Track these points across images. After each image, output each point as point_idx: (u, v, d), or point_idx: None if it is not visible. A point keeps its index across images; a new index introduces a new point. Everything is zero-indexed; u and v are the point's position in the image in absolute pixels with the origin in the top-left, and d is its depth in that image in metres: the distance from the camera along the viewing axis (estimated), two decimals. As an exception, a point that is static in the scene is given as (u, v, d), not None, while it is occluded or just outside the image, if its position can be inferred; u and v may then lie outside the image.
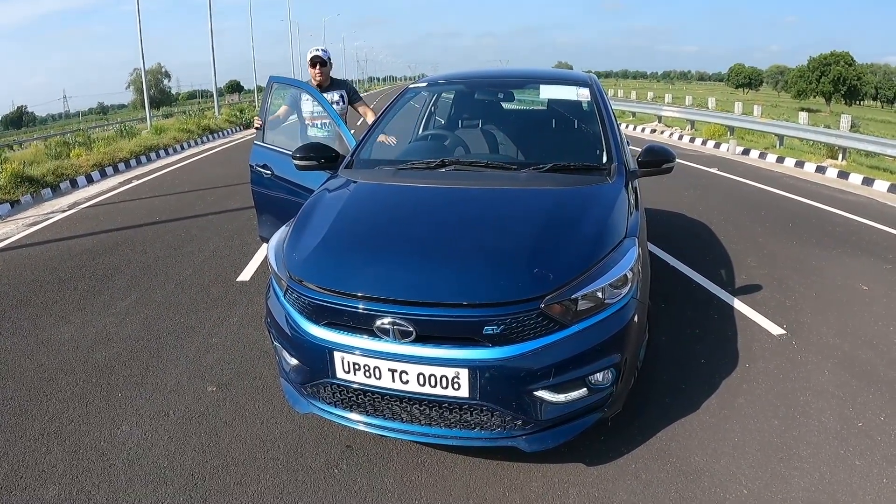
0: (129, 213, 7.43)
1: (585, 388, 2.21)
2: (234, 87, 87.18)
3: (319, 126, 4.51)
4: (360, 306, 2.17)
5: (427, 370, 2.14)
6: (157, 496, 2.33)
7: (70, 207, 8.02)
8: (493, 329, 2.06)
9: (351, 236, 2.54)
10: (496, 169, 2.94)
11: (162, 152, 13.85)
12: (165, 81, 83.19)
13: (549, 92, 3.55)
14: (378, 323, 2.15)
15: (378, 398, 2.28)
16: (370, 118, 4.41)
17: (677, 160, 3.08)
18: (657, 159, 2.97)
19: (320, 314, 2.28)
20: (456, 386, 2.13)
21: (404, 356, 2.15)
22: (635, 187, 3.11)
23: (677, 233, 6.11)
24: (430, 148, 3.69)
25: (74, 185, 9.82)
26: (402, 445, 2.59)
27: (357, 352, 2.22)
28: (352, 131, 3.99)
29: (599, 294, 2.19)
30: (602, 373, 2.22)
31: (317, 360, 2.32)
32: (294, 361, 2.41)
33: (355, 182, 2.97)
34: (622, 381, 2.31)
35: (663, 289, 4.32)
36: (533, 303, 2.07)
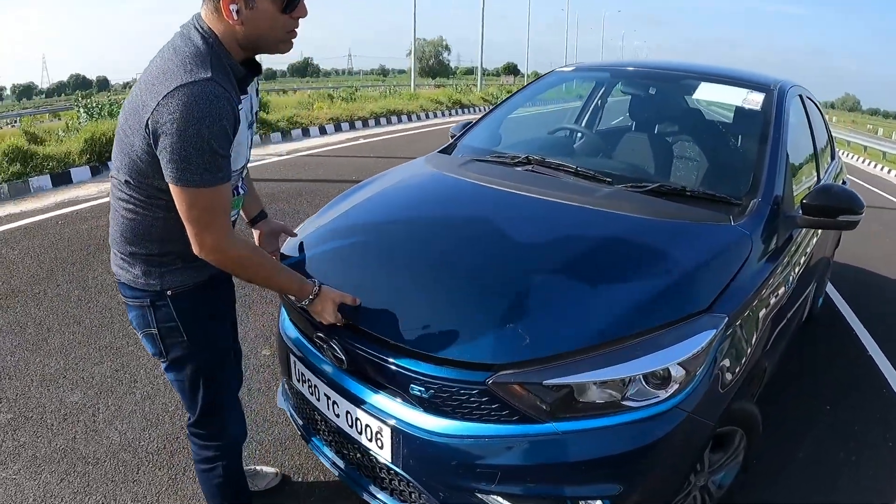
0: (335, 168, 7.91)
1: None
2: (511, 70, 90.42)
3: None
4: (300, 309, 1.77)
5: (354, 411, 1.65)
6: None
7: (288, 153, 8.95)
8: (419, 389, 1.47)
9: (338, 228, 2.10)
10: (584, 179, 2.20)
11: (404, 118, 14.64)
12: (445, 54, 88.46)
13: (707, 92, 2.53)
14: (315, 336, 1.73)
15: (320, 420, 1.87)
16: None
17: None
18: (832, 206, 1.91)
19: (289, 306, 1.95)
20: (379, 443, 1.60)
21: (337, 385, 1.70)
22: (796, 241, 2.08)
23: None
24: (542, 142, 3.00)
25: (306, 133, 10.90)
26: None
27: (301, 363, 1.85)
28: None
29: (613, 391, 1.42)
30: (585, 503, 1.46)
31: (282, 356, 2.04)
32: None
33: (420, 169, 2.52)
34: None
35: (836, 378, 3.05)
36: (474, 372, 1.40)
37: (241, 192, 1.60)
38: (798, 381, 2.96)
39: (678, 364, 1.43)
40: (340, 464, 1.81)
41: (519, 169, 2.33)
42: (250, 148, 1.55)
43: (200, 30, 1.29)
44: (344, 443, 1.78)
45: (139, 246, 1.43)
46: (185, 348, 1.52)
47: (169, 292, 1.46)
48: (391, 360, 1.50)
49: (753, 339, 1.76)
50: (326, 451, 1.89)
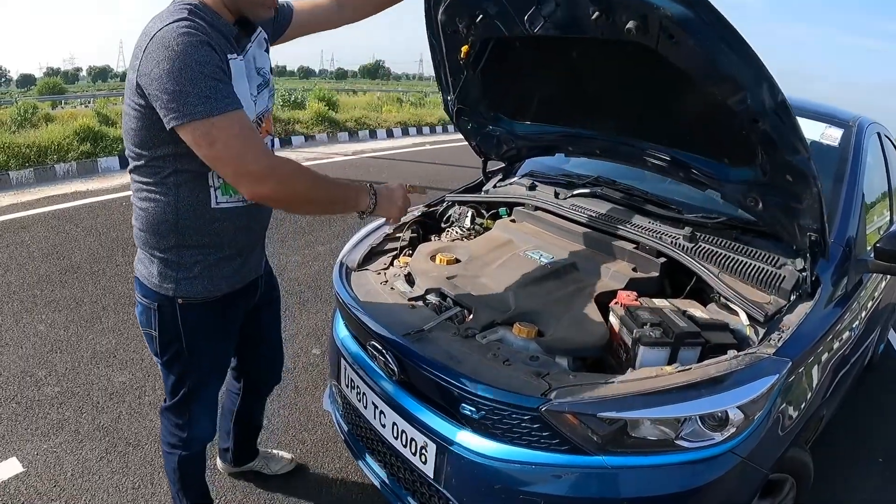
0: (398, 172, 7.82)
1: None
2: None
3: None
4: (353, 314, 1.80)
5: (401, 423, 1.66)
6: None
7: (354, 154, 9.09)
8: (470, 409, 1.46)
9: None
10: (654, 205, 2.12)
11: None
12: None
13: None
14: (368, 343, 1.75)
15: (365, 428, 1.88)
16: None
17: None
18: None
19: (344, 310, 1.98)
20: (423, 458, 1.60)
21: (387, 394, 1.71)
22: (865, 286, 1.99)
23: None
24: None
25: (373, 135, 11.04)
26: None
27: (351, 369, 1.87)
28: None
29: (667, 429, 1.38)
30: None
31: (333, 359, 2.06)
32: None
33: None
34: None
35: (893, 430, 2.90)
36: (528, 398, 1.38)
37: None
38: (853, 430, 2.83)
39: (737, 407, 1.38)
40: (382, 474, 1.82)
41: (588, 189, 2.29)
42: (265, 116, 1.50)
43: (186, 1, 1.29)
44: (387, 453, 1.79)
45: (156, 237, 1.41)
46: (181, 358, 1.52)
47: (180, 300, 1.45)
48: (446, 378, 1.50)
49: (814, 386, 1.70)
50: (369, 458, 1.90)
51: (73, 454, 2.33)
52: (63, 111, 11.14)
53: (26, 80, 71.74)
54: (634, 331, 1.51)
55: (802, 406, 1.62)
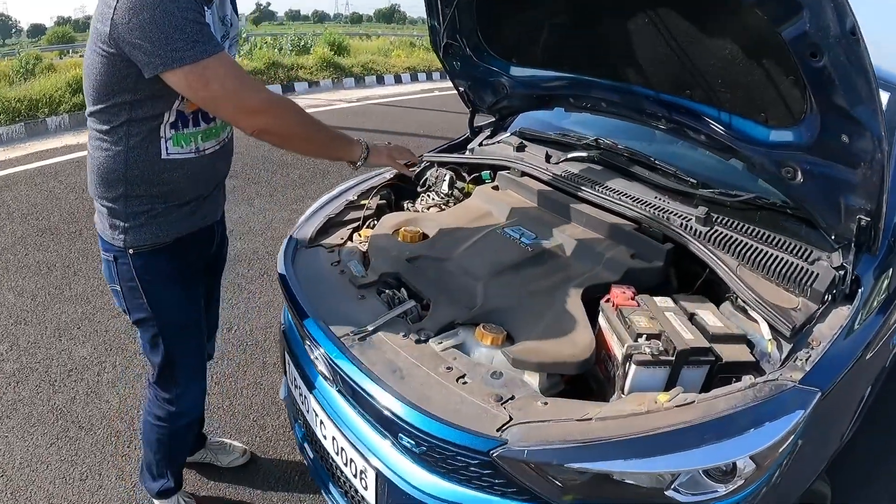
0: (401, 119, 7.42)
1: None
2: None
3: None
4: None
5: (340, 440, 1.39)
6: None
7: (358, 100, 8.64)
8: (409, 442, 1.17)
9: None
10: (663, 175, 1.75)
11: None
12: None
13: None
14: (305, 341, 1.47)
15: (309, 429, 1.62)
16: None
17: None
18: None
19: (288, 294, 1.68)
20: (363, 483, 1.34)
21: (327, 404, 1.43)
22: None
23: None
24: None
25: (381, 81, 10.52)
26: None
27: (293, 366, 1.60)
28: None
29: (653, 482, 1.08)
30: None
31: (281, 352, 1.79)
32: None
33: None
34: None
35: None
36: (478, 439, 1.07)
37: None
38: (872, 449, 2.37)
39: (749, 456, 1.07)
40: (334, 492, 1.56)
41: (586, 154, 1.92)
42: None
43: None
44: (332, 467, 1.53)
45: (104, 186, 1.39)
46: (144, 310, 1.50)
47: (131, 251, 1.43)
48: (377, 398, 1.20)
49: (845, 414, 1.38)
50: (318, 465, 1.64)
51: (24, 440, 2.18)
52: (69, 60, 10.81)
53: (36, 31, 71.09)
54: (626, 345, 1.20)
55: (828, 441, 1.31)
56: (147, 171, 1.36)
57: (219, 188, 1.60)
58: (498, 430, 1.07)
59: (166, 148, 1.36)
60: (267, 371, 2.58)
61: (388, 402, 1.17)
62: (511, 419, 1.10)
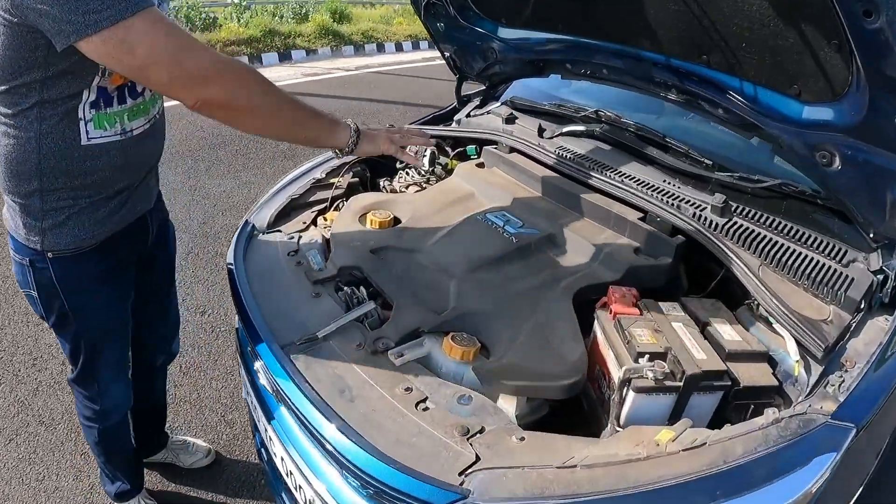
0: (398, 88, 7.17)
1: None
2: None
3: None
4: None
5: (288, 461, 1.20)
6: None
7: (357, 69, 8.33)
8: (353, 483, 0.97)
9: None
10: (673, 155, 1.51)
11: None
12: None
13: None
14: (250, 342, 1.27)
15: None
16: None
17: None
18: None
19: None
20: (312, 515, 1.15)
21: (274, 419, 1.24)
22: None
23: None
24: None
25: (381, 49, 10.22)
26: None
27: (244, 368, 1.41)
28: None
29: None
30: None
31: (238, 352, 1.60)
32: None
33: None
34: None
35: None
36: (432, 490, 0.86)
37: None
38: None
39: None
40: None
41: (585, 127, 1.67)
42: None
43: None
44: (285, 484, 1.34)
45: (15, 180, 1.21)
46: (65, 317, 1.35)
47: (49, 255, 1.27)
48: (318, 425, 1.00)
49: (875, 447, 1.17)
50: (274, 477, 1.46)
51: (-18, 437, 2.05)
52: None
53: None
54: (624, 368, 0.98)
55: (858, 481, 1.11)
56: (64, 160, 1.18)
57: (151, 173, 1.41)
58: (460, 475, 0.87)
59: (87, 132, 1.18)
60: (237, 363, 2.40)
61: (329, 431, 0.96)
62: (478, 459, 0.89)
